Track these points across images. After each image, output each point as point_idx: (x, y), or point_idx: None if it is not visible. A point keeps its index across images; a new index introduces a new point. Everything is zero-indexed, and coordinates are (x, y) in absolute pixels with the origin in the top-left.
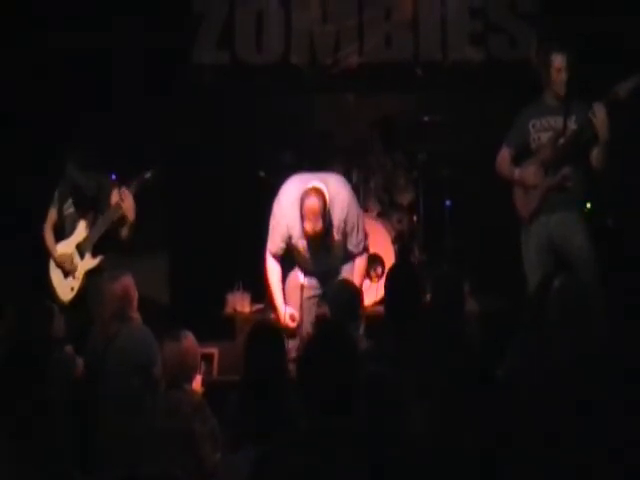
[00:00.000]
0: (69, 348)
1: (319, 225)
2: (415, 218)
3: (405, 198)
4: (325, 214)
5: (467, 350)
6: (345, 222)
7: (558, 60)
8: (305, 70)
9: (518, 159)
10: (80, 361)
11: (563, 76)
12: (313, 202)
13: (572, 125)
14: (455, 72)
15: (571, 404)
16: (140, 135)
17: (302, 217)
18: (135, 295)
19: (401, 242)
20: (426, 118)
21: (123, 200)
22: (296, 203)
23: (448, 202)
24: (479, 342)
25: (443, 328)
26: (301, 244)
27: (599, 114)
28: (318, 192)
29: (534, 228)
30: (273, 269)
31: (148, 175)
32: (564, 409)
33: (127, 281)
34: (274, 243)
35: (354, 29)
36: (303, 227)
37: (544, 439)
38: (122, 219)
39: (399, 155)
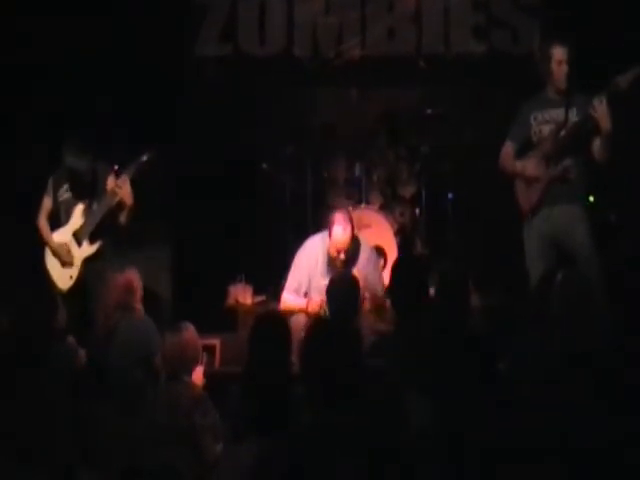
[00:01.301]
0: (71, 339)
1: (348, 230)
2: (417, 211)
3: (407, 191)
4: (353, 227)
5: (469, 344)
6: (368, 260)
7: (559, 53)
8: (307, 62)
9: (520, 152)
10: (82, 352)
11: (564, 69)
12: (343, 211)
13: (573, 117)
14: (458, 65)
15: (573, 398)
16: (141, 127)
17: (331, 225)
18: (139, 287)
19: (403, 235)
20: (429, 111)
21: (120, 186)
22: (322, 238)
23: (450, 195)
24: (481, 336)
25: (446, 322)
26: (323, 283)
27: (599, 108)
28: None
29: (536, 222)
30: (287, 298)
31: (145, 158)
32: (566, 403)
33: (132, 272)
34: (290, 284)
35: (357, 22)
36: (331, 235)
37: (546, 433)
38: (120, 204)
39: (402, 148)
